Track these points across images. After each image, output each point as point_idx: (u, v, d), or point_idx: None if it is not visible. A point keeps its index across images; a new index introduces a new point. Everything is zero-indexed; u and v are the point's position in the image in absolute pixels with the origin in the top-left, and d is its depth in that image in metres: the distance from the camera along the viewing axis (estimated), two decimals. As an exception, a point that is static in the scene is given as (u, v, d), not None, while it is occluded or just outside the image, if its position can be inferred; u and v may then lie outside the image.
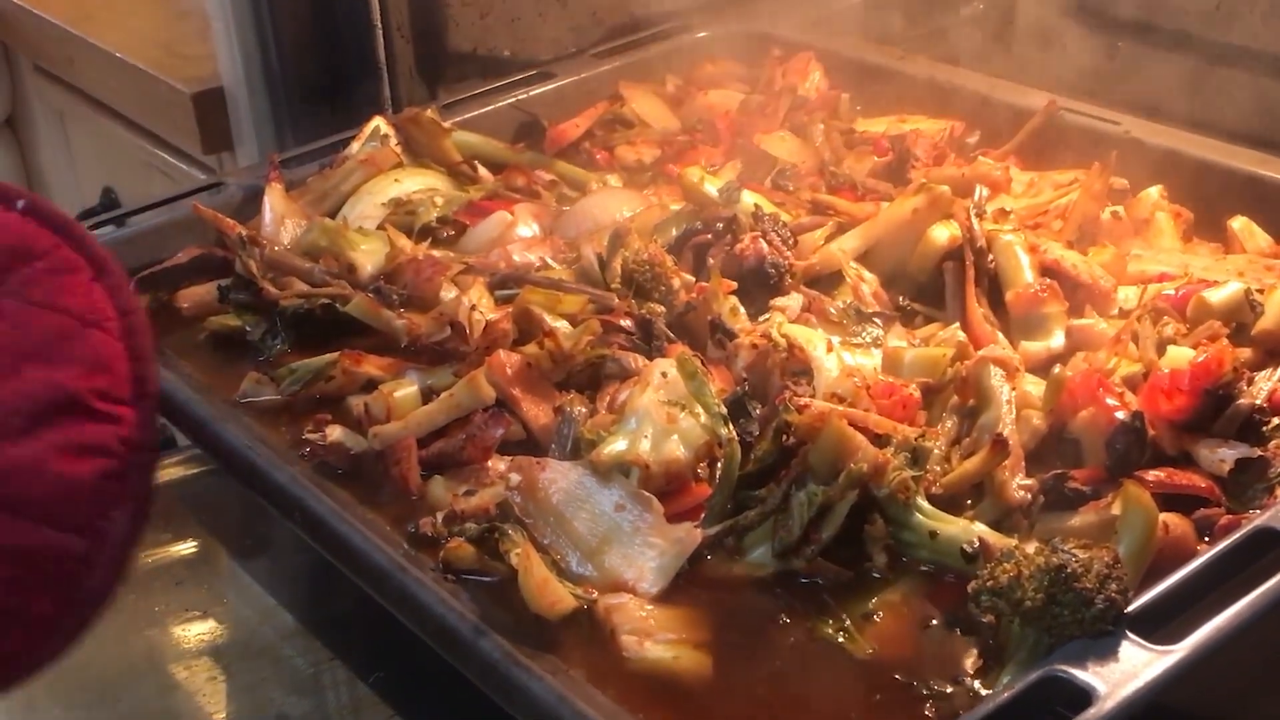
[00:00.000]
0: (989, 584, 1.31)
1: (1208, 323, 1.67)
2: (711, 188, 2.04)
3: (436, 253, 1.98)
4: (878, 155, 2.17)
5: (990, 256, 1.82)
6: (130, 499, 1.57)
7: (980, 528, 1.43)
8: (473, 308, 1.78)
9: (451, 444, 1.62)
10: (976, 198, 1.97)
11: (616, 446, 1.51)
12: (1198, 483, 1.48)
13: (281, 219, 2.06)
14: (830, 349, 1.66)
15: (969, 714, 1.20)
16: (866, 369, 1.64)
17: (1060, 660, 1.22)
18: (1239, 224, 1.94)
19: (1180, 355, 1.59)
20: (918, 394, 1.59)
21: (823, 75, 2.41)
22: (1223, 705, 1.37)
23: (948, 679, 1.32)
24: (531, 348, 1.69)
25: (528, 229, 2.05)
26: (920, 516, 1.44)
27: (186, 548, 1.96)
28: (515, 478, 1.49)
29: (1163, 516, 1.39)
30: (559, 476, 1.49)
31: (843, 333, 1.75)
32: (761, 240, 1.86)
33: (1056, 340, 1.72)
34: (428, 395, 1.70)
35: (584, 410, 1.61)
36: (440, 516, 1.51)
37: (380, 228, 2.05)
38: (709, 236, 1.92)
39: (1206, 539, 1.43)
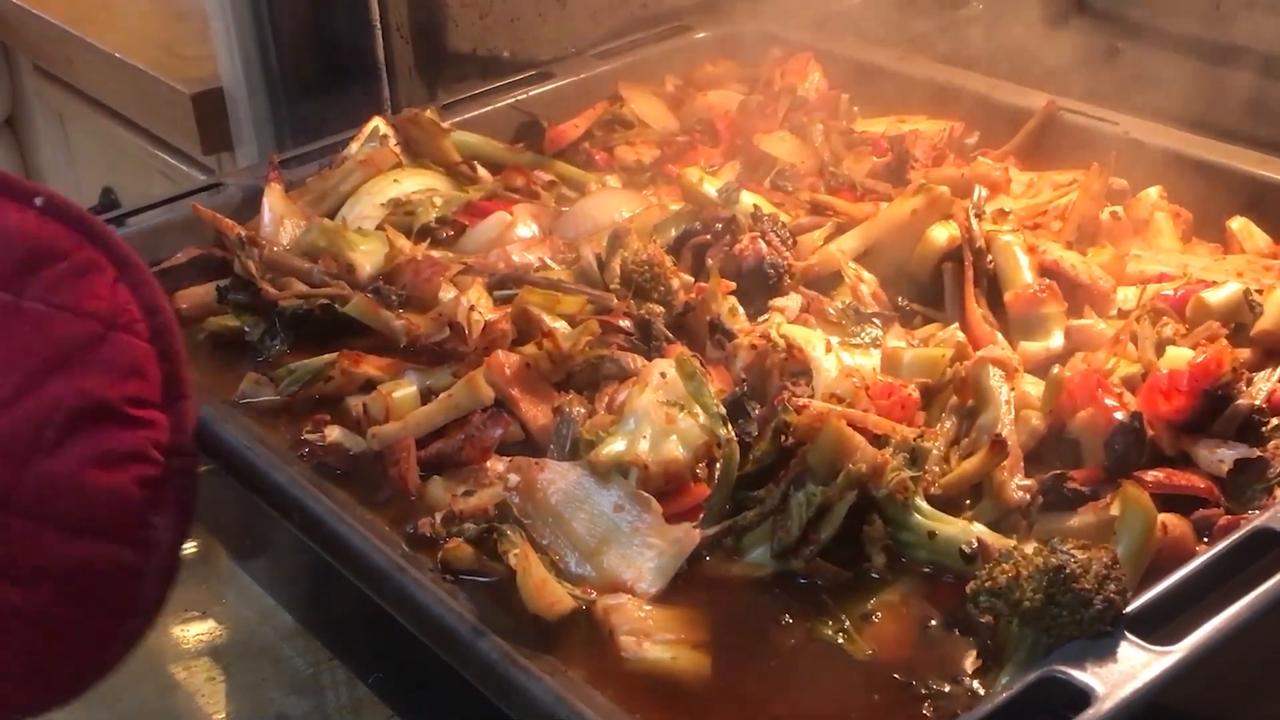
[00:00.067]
0: (988, 584, 1.30)
1: (1207, 323, 1.67)
2: (711, 188, 2.04)
3: (435, 253, 1.98)
4: (877, 156, 2.17)
5: (989, 257, 1.82)
6: (172, 505, 1.56)
7: (979, 528, 1.43)
8: (471, 308, 1.78)
9: (450, 444, 1.62)
10: (976, 198, 1.96)
11: (615, 447, 1.51)
12: (1196, 483, 1.48)
13: (281, 219, 2.05)
14: (829, 349, 1.66)
15: (968, 715, 1.20)
16: (865, 369, 1.64)
17: (1059, 661, 1.22)
18: (1238, 224, 1.94)
19: (1179, 356, 1.59)
20: (916, 394, 1.59)
21: (822, 75, 2.41)
22: (1222, 706, 1.37)
23: (946, 679, 1.32)
24: (530, 348, 1.69)
25: (527, 229, 2.05)
26: (919, 517, 1.44)
27: (186, 548, 1.96)
28: (514, 478, 1.49)
29: (1161, 517, 1.39)
30: (558, 477, 1.49)
31: (842, 333, 1.75)
32: (760, 241, 1.86)
33: (1055, 341, 1.72)
34: (426, 396, 1.70)
35: (583, 411, 1.61)
36: (439, 517, 1.51)
37: (379, 228, 2.05)
38: (708, 237, 1.92)
39: (1205, 539, 1.42)
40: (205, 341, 1.90)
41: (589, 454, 1.51)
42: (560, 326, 1.73)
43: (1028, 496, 1.47)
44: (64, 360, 1.54)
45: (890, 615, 1.40)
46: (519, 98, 2.40)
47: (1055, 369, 1.60)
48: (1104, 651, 1.22)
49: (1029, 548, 1.32)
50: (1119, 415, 1.51)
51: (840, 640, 1.38)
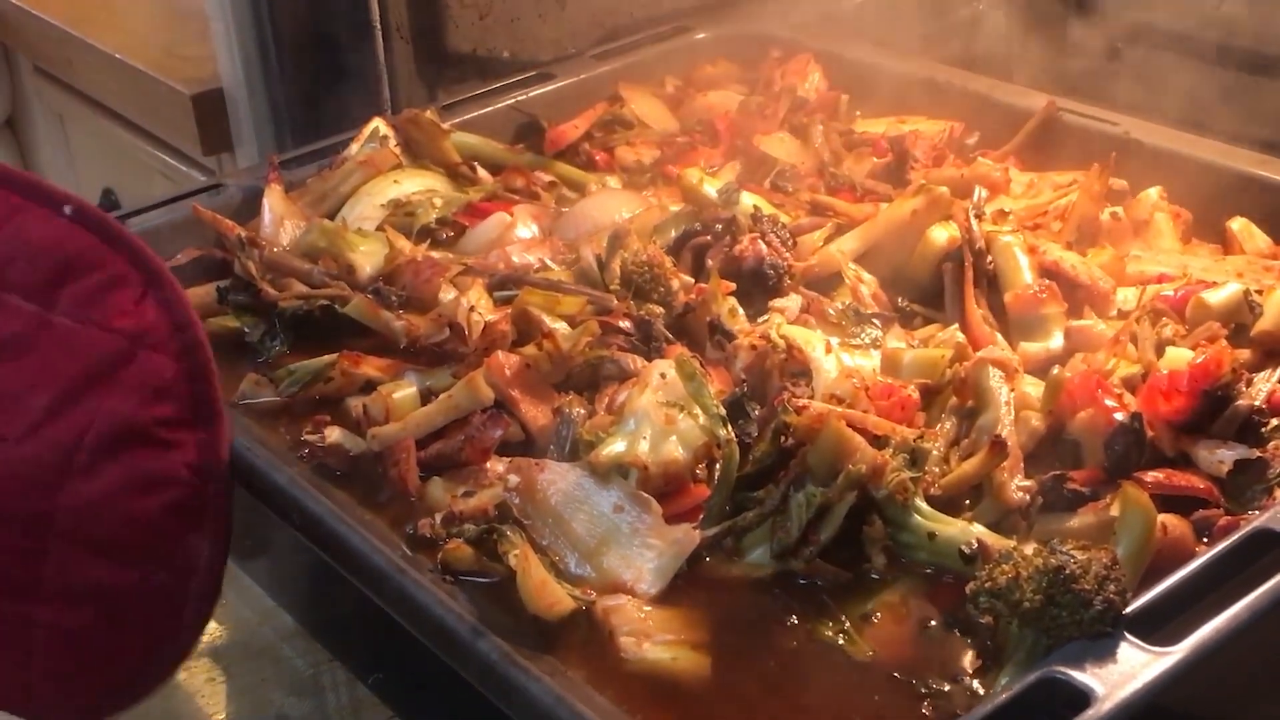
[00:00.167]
0: (987, 585, 1.30)
1: (1207, 324, 1.67)
2: (711, 189, 2.04)
3: (435, 254, 1.98)
4: (877, 156, 2.17)
5: (989, 257, 1.82)
6: (208, 527, 1.55)
7: (979, 529, 1.43)
8: (471, 309, 1.78)
9: (450, 445, 1.62)
10: (975, 199, 1.97)
11: (615, 448, 1.51)
12: (1196, 484, 1.48)
13: (281, 220, 2.05)
14: (829, 350, 1.66)
15: (967, 715, 1.20)
16: (865, 370, 1.64)
17: (1058, 661, 1.22)
18: (1238, 225, 1.94)
19: (1179, 356, 1.59)
20: (916, 395, 1.59)
21: (822, 76, 2.41)
22: (1221, 707, 1.37)
23: (946, 679, 1.32)
24: (530, 349, 1.69)
25: (527, 230, 2.05)
26: (919, 518, 1.44)
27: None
28: (514, 479, 1.49)
29: (1161, 517, 1.39)
30: (557, 478, 1.49)
31: (841, 334, 1.75)
32: (760, 241, 1.86)
33: (1055, 341, 1.72)
34: (426, 396, 1.70)
35: (582, 411, 1.61)
36: (439, 518, 1.51)
37: (379, 229, 2.05)
38: (708, 238, 1.92)
39: (1205, 540, 1.42)
40: (205, 342, 1.90)
41: (589, 455, 1.51)
42: (560, 327, 1.74)
43: (1027, 497, 1.47)
44: (92, 380, 1.53)
45: (890, 616, 1.40)
46: (519, 98, 2.40)
47: (1055, 370, 1.60)
48: (1104, 652, 1.22)
49: (1029, 548, 1.32)
50: (1119, 416, 1.51)
51: (840, 641, 1.38)
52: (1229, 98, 2.31)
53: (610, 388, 1.66)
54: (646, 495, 1.48)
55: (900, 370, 1.65)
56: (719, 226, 1.92)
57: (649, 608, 1.41)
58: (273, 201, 2.07)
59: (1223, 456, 1.50)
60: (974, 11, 2.69)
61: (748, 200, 2.01)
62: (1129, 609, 1.25)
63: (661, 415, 1.53)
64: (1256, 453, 1.50)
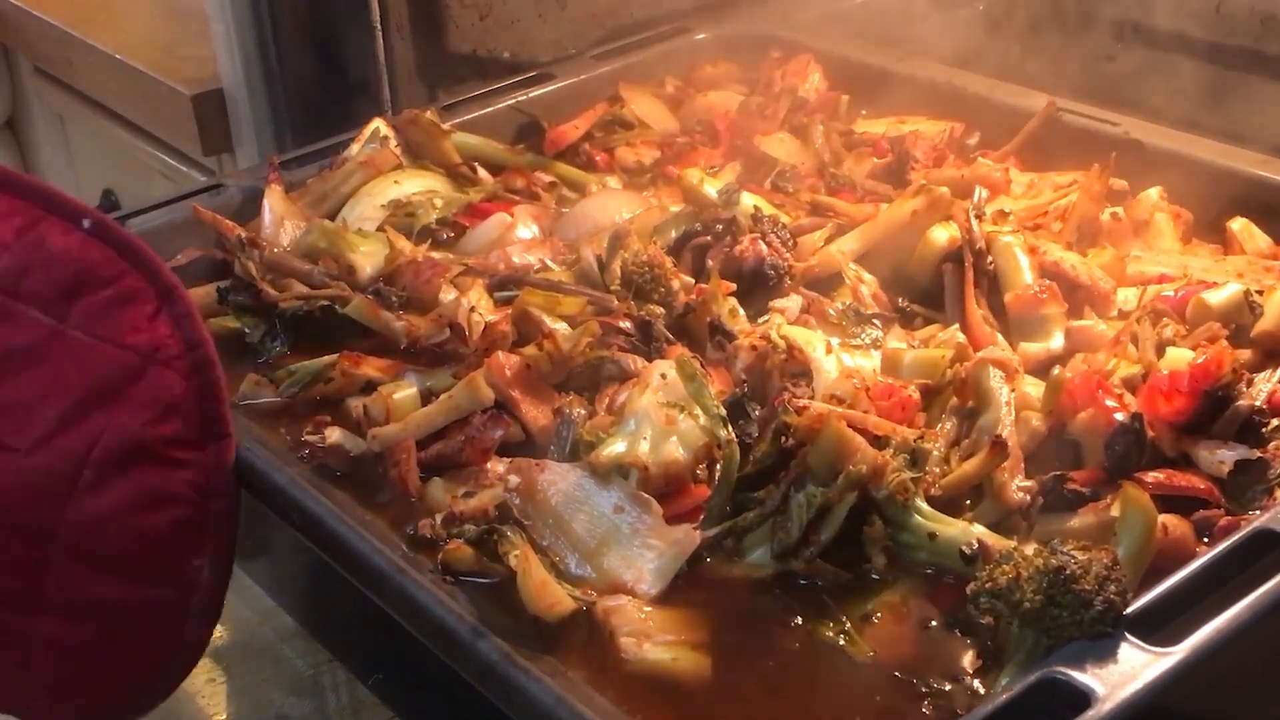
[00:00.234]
0: (988, 585, 1.30)
1: (1207, 324, 1.67)
2: (711, 189, 2.04)
3: (436, 254, 1.98)
4: (877, 157, 2.17)
5: (989, 258, 1.82)
6: (212, 546, 1.56)
7: (979, 529, 1.43)
8: (472, 309, 1.78)
9: (450, 446, 1.62)
10: (976, 199, 1.97)
11: (615, 448, 1.51)
12: (1197, 484, 1.48)
13: (281, 221, 2.05)
14: (829, 350, 1.66)
15: (968, 716, 1.20)
16: (866, 370, 1.64)
17: (1059, 662, 1.22)
18: (1238, 225, 1.94)
19: (1179, 357, 1.59)
20: (917, 395, 1.59)
21: (822, 77, 2.41)
22: (1222, 707, 1.37)
23: (947, 678, 1.32)
24: (530, 349, 1.69)
25: (527, 231, 2.05)
26: (919, 518, 1.44)
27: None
28: (514, 479, 1.49)
29: (1162, 518, 1.39)
30: (558, 478, 1.49)
31: (842, 334, 1.75)
32: (761, 242, 1.86)
33: (1056, 342, 1.72)
34: (427, 397, 1.70)
35: (583, 412, 1.61)
36: (439, 518, 1.51)
37: (380, 229, 2.05)
38: (708, 238, 1.92)
39: (1206, 540, 1.42)
40: (206, 343, 1.89)
41: (589, 455, 1.51)
42: (561, 328, 1.73)
43: (1028, 497, 1.47)
44: (102, 395, 1.54)
45: (891, 616, 1.40)
46: (519, 99, 2.40)
47: (1055, 370, 1.60)
48: (1104, 652, 1.22)
49: (1029, 549, 1.32)
50: (1119, 416, 1.51)
51: (841, 641, 1.38)
52: (1229, 98, 2.31)
53: (611, 388, 1.66)
54: (647, 496, 1.48)
55: (901, 371, 1.64)
56: (719, 227, 1.92)
57: (649, 608, 1.41)
58: (273, 202, 2.07)
59: (1223, 457, 1.50)
60: (974, 12, 2.69)
61: (748, 201, 2.01)
62: (1129, 609, 1.25)
63: (662, 416, 1.53)
64: (1257, 453, 1.50)
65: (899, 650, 1.36)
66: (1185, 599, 1.28)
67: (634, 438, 1.51)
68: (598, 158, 2.31)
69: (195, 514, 1.55)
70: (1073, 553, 1.27)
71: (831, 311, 1.79)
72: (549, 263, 1.94)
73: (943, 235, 1.85)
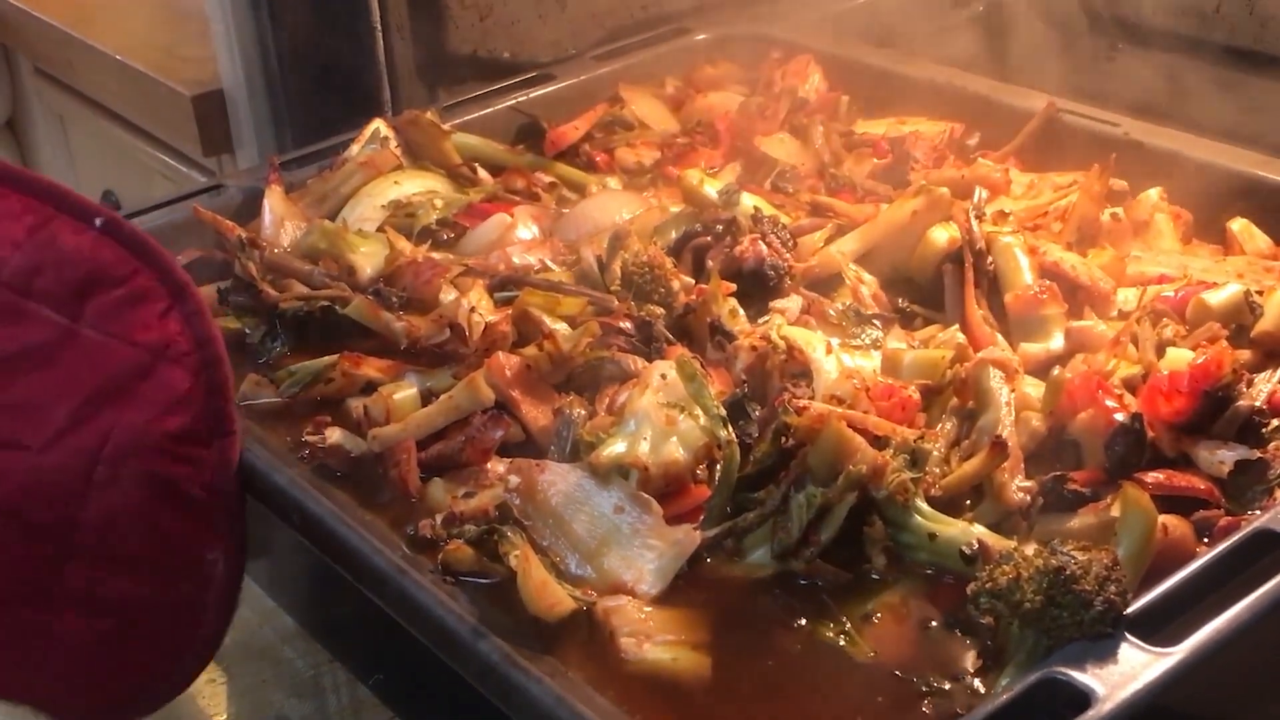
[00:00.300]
0: (988, 586, 1.30)
1: (1207, 324, 1.67)
2: (711, 190, 2.05)
3: (436, 255, 1.98)
4: (877, 157, 2.17)
5: (989, 258, 1.82)
6: (224, 539, 1.57)
7: (979, 530, 1.43)
8: (472, 310, 1.78)
9: (451, 446, 1.62)
10: (976, 199, 1.97)
11: (615, 448, 1.51)
12: (1197, 484, 1.48)
13: (281, 221, 2.06)
14: (829, 351, 1.66)
15: (968, 716, 1.20)
16: (866, 371, 1.64)
17: (1059, 662, 1.22)
18: (1238, 225, 1.94)
19: (1179, 357, 1.59)
20: (917, 396, 1.59)
21: (822, 77, 2.41)
22: (1222, 707, 1.37)
23: (947, 677, 1.32)
24: (531, 350, 1.70)
25: (527, 231, 2.05)
26: (919, 518, 1.44)
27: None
28: (514, 480, 1.49)
29: (1162, 518, 1.39)
30: (558, 478, 1.49)
31: (842, 335, 1.75)
32: (761, 242, 1.86)
33: (1056, 342, 1.72)
34: (427, 397, 1.70)
35: (583, 412, 1.61)
36: (439, 518, 1.51)
37: (380, 230, 2.05)
38: (708, 239, 1.92)
39: (1206, 541, 1.42)
40: (206, 343, 1.89)
41: (589, 455, 1.51)
42: (561, 328, 1.74)
43: (1028, 498, 1.47)
44: (112, 392, 1.54)
45: (891, 616, 1.40)
46: (519, 99, 2.40)
47: (1055, 370, 1.60)
48: (1104, 653, 1.22)
49: (1029, 549, 1.32)
50: (1119, 417, 1.51)
51: (841, 642, 1.38)
52: (1229, 98, 2.31)
53: (611, 388, 1.66)
54: (647, 496, 1.48)
55: (901, 371, 1.65)
56: (719, 227, 1.92)
57: (649, 608, 1.41)
58: (273, 202, 2.07)
59: (1223, 457, 1.50)
60: (974, 12, 2.69)
61: (748, 201, 2.01)
62: (1130, 610, 1.25)
63: (662, 416, 1.53)
64: (1257, 453, 1.50)
65: (899, 650, 1.36)
66: (1185, 599, 1.28)
67: (634, 438, 1.51)
68: (598, 158, 2.31)
69: (206, 509, 1.55)
70: (1073, 553, 1.27)
71: (831, 312, 1.79)
72: (549, 263, 1.94)
73: (943, 236, 1.85)
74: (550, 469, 1.50)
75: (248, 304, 1.90)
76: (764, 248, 1.85)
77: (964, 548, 1.41)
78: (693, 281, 1.85)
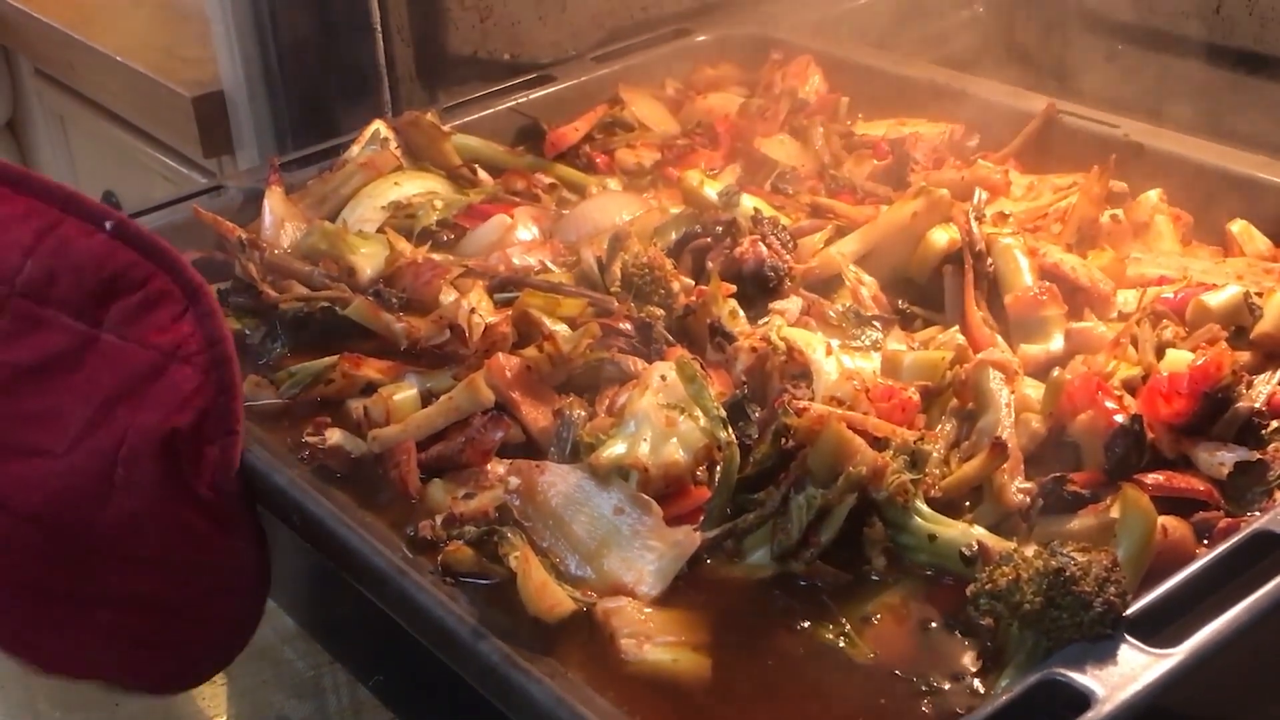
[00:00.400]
0: (988, 587, 1.31)
1: (1207, 326, 1.67)
2: (711, 191, 2.05)
3: (436, 256, 1.98)
4: (877, 158, 2.18)
5: (989, 260, 1.82)
6: (243, 530, 1.57)
7: (979, 531, 1.43)
8: (472, 311, 1.78)
9: (451, 447, 1.62)
10: (976, 201, 1.97)
11: (615, 450, 1.51)
12: (1197, 486, 1.48)
13: (281, 222, 2.06)
14: (829, 352, 1.66)
15: (967, 717, 1.21)
16: (866, 372, 1.64)
17: (1059, 663, 1.22)
18: (1238, 227, 1.94)
19: (1179, 358, 1.59)
20: (917, 397, 1.59)
21: (822, 78, 2.41)
22: (1222, 708, 1.37)
23: (947, 678, 1.32)
24: (531, 351, 1.70)
25: (527, 232, 2.05)
26: (919, 519, 1.44)
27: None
28: (514, 481, 1.49)
29: (1162, 519, 1.39)
30: (558, 479, 1.49)
31: (842, 336, 1.75)
32: (761, 244, 1.86)
33: (1055, 343, 1.72)
34: (427, 398, 1.70)
35: (583, 413, 1.61)
36: (439, 519, 1.51)
37: (380, 231, 2.06)
38: (708, 240, 1.93)
39: (1205, 542, 1.43)
40: (206, 344, 1.89)
41: (589, 457, 1.51)
42: (561, 329, 1.74)
43: (1028, 499, 1.47)
44: (126, 394, 1.55)
45: (891, 617, 1.40)
46: (519, 101, 2.40)
47: (1055, 372, 1.60)
48: (1104, 654, 1.22)
49: (1029, 550, 1.32)
50: (1119, 418, 1.51)
51: (841, 643, 1.38)
52: (1229, 99, 2.31)
53: (611, 390, 1.66)
54: (647, 497, 1.48)
55: (900, 372, 1.65)
56: (719, 229, 1.93)
57: (649, 609, 1.41)
58: (273, 203, 2.07)
59: (1223, 459, 1.50)
60: (974, 14, 2.69)
61: (748, 202, 2.01)
62: (1129, 611, 1.25)
63: (662, 417, 1.53)
64: (1257, 455, 1.51)
65: (899, 651, 1.36)
66: (1185, 601, 1.28)
67: (634, 439, 1.52)
68: (598, 159, 2.31)
69: (221, 502, 1.56)
70: (1073, 554, 1.27)
71: (831, 313, 1.79)
72: (549, 264, 1.94)
73: (942, 237, 1.85)
74: (550, 470, 1.50)
75: (248, 305, 1.90)
76: (764, 249, 1.85)
77: (964, 549, 1.41)
78: (693, 283, 1.85)
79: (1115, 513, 1.39)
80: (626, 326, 1.75)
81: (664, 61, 2.54)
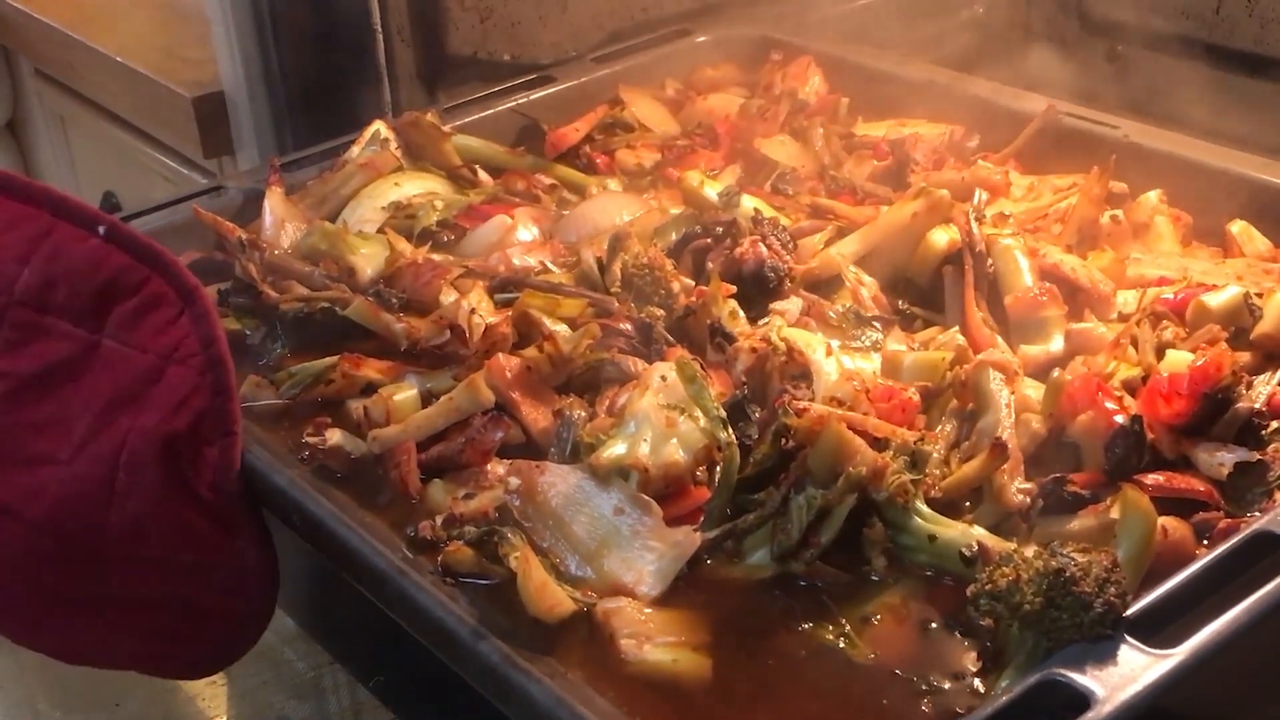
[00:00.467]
0: (988, 587, 1.31)
1: (1207, 326, 1.67)
2: (711, 192, 2.05)
3: (436, 256, 1.98)
4: (877, 159, 2.18)
5: (989, 260, 1.82)
6: (247, 528, 1.58)
7: (979, 531, 1.43)
8: (472, 311, 1.78)
9: (451, 447, 1.62)
10: (976, 202, 1.97)
11: (615, 450, 1.51)
12: (1196, 486, 1.48)
13: (281, 223, 2.06)
14: (829, 353, 1.66)
15: (967, 717, 1.21)
16: (866, 373, 1.64)
17: (1059, 664, 1.22)
18: (1238, 228, 1.94)
19: (1179, 359, 1.59)
20: (917, 398, 1.59)
21: (822, 79, 2.41)
22: (1222, 709, 1.37)
23: (947, 678, 1.32)
24: (531, 351, 1.70)
25: (527, 233, 2.05)
26: (919, 520, 1.44)
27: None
28: (514, 481, 1.49)
29: (1161, 520, 1.39)
30: (558, 480, 1.49)
31: (842, 336, 1.75)
32: (761, 244, 1.86)
33: (1055, 344, 1.72)
34: (427, 399, 1.70)
35: (583, 414, 1.61)
36: (439, 520, 1.51)
37: (380, 231, 2.06)
38: (709, 240, 1.93)
39: (1205, 542, 1.43)
40: (206, 345, 1.90)
41: (589, 457, 1.51)
42: (561, 330, 1.74)
43: (1028, 500, 1.47)
44: (126, 399, 1.55)
45: (891, 618, 1.40)
46: (520, 101, 2.40)
47: (1055, 372, 1.60)
48: (1104, 654, 1.22)
49: (1029, 551, 1.32)
50: (1119, 419, 1.51)
51: (841, 643, 1.38)
52: (1229, 100, 2.31)
53: (611, 390, 1.66)
54: (647, 498, 1.48)
55: (901, 373, 1.65)
56: (720, 229, 1.93)
57: (649, 610, 1.41)
58: (274, 204, 2.07)
59: (1223, 459, 1.50)
60: (974, 14, 2.69)
61: (748, 203, 2.01)
62: (1129, 611, 1.25)
63: (662, 418, 1.53)
64: (1256, 455, 1.51)
65: (899, 652, 1.36)
66: (1185, 601, 1.28)
67: (634, 440, 1.52)
68: (598, 160, 2.31)
69: (224, 502, 1.56)
70: (1073, 555, 1.27)
71: (832, 314, 1.79)
72: (549, 265, 1.94)
73: (943, 238, 1.85)
74: (550, 470, 1.50)
75: (248, 305, 1.90)
76: (764, 250, 1.85)
77: (964, 549, 1.41)
78: (693, 283, 1.85)
79: (1115, 513, 1.40)
80: (626, 327, 1.75)
81: (664, 62, 2.54)
